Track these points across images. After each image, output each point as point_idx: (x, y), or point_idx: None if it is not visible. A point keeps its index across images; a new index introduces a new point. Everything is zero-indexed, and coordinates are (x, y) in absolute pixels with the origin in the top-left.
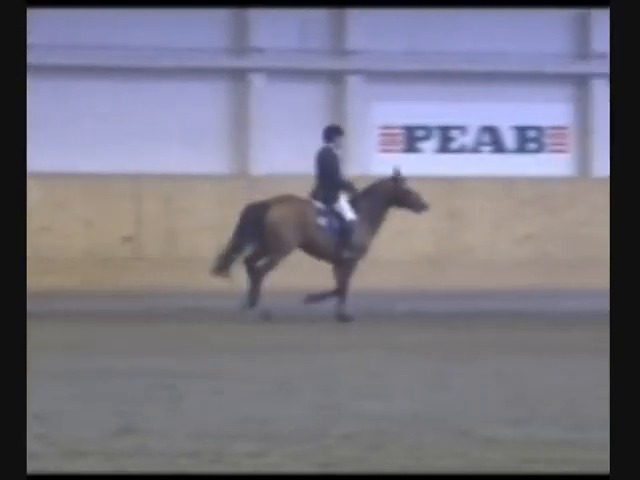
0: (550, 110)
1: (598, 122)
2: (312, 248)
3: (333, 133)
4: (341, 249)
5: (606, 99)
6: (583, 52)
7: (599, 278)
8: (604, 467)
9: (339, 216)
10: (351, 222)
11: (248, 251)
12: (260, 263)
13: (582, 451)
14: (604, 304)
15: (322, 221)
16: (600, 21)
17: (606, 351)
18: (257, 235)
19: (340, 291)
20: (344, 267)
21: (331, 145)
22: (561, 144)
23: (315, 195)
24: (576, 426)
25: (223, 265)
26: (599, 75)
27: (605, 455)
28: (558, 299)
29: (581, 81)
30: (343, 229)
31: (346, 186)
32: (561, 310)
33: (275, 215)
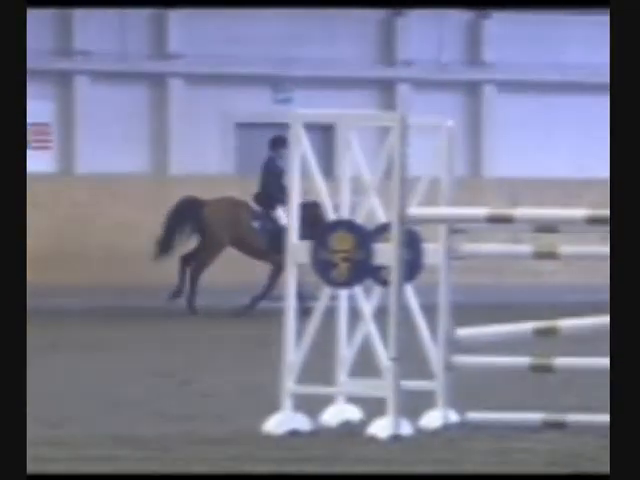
0: (32, 107)
1: (80, 119)
2: (243, 247)
3: (278, 144)
4: (272, 251)
5: (87, 95)
6: (64, 49)
7: (86, 274)
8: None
9: (274, 221)
10: (285, 227)
11: (181, 240)
12: (193, 265)
13: (58, 447)
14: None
15: (256, 223)
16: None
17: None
18: (193, 229)
19: (267, 289)
20: (275, 269)
21: (274, 156)
22: (44, 141)
23: (256, 199)
24: (54, 424)
25: (164, 249)
26: (81, 72)
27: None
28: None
29: (62, 80)
30: (276, 233)
31: (281, 200)
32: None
33: (208, 212)
